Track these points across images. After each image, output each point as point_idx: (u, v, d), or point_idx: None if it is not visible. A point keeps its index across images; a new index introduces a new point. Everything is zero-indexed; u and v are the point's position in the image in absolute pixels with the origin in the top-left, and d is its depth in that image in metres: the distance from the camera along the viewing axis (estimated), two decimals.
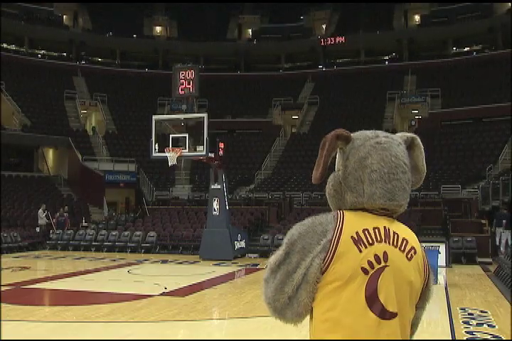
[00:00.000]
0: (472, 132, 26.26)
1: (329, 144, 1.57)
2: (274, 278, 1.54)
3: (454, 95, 29.32)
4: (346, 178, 1.59)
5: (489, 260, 15.43)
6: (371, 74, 33.12)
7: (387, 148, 1.57)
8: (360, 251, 1.48)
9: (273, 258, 1.58)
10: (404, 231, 1.59)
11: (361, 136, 1.61)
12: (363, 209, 1.58)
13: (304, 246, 1.51)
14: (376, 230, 1.52)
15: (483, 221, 17.56)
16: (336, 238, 1.49)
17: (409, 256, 1.54)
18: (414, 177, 1.63)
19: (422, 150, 1.66)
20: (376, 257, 1.49)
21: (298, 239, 1.53)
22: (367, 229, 1.52)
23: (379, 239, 1.51)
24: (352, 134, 1.62)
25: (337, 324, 1.46)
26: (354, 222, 1.53)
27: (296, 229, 1.57)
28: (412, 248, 1.55)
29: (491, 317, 7.91)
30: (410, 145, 1.64)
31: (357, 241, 1.49)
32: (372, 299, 1.45)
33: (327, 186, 1.65)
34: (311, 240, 1.51)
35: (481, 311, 8.35)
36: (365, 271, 1.47)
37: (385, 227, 1.54)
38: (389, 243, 1.52)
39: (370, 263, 1.48)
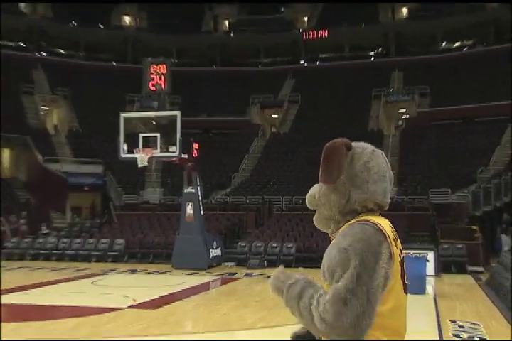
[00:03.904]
0: (463, 133, 26.69)
1: (341, 151, 1.85)
2: (351, 305, 1.62)
3: (443, 93, 29.72)
4: (352, 179, 1.86)
5: (481, 269, 15.61)
6: (355, 70, 33.44)
7: (380, 156, 1.95)
8: (396, 248, 1.80)
9: (341, 286, 1.65)
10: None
11: (359, 145, 1.94)
12: (367, 208, 1.89)
13: (371, 265, 1.68)
14: (391, 228, 1.86)
15: (473, 227, 17.75)
16: (391, 245, 1.76)
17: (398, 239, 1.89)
18: None
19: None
20: (400, 250, 1.85)
21: (363, 259, 1.67)
22: (390, 229, 1.83)
23: (395, 235, 1.86)
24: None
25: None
26: (384, 227, 1.80)
27: (355, 249, 1.69)
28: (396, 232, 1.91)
29: (482, 329, 8.02)
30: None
31: (392, 241, 1.78)
32: (404, 282, 1.82)
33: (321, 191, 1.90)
34: (373, 256, 1.69)
35: (473, 323, 8.46)
36: (401, 263, 1.81)
37: (390, 225, 1.88)
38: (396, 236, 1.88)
39: (400, 256, 1.83)
